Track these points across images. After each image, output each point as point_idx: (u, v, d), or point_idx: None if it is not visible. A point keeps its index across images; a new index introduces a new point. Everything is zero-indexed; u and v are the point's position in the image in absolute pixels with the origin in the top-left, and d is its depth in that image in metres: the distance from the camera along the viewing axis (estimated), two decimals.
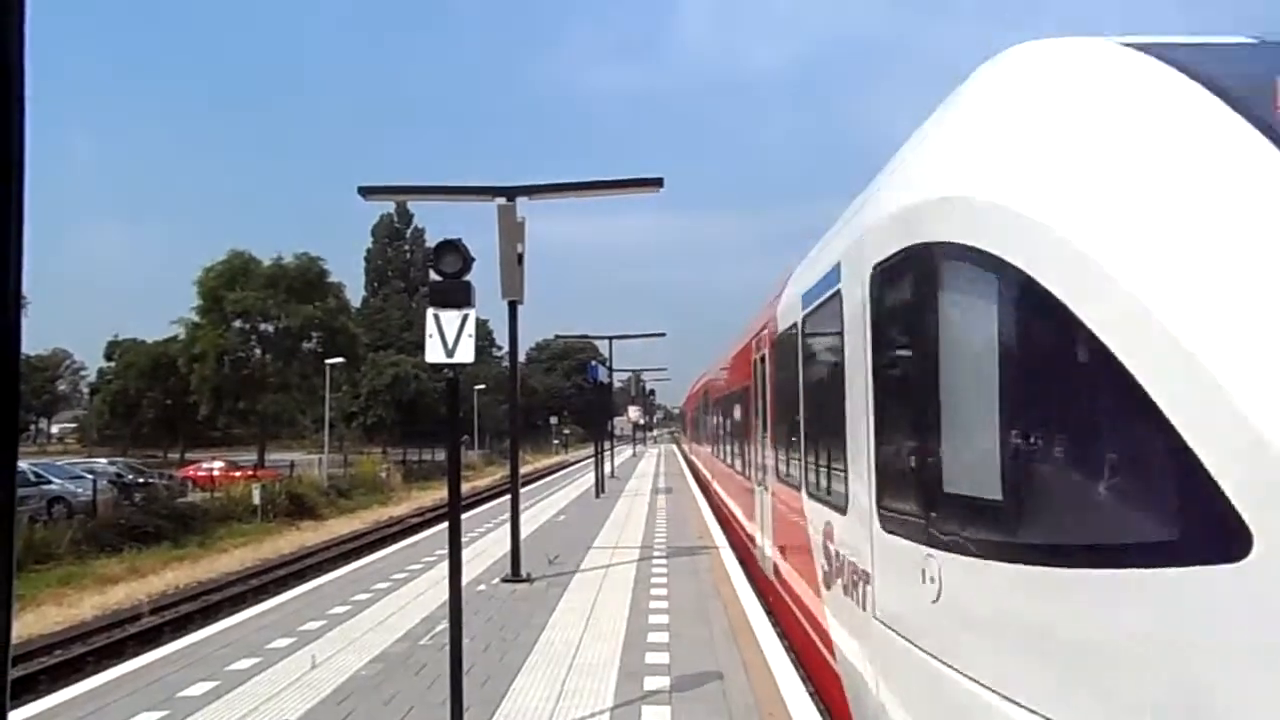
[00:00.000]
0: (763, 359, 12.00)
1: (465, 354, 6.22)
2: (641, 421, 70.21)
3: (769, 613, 10.58)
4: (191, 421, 65.49)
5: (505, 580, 12.89)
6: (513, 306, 13.33)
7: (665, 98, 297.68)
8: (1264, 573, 2.73)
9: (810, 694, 7.44)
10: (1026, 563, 3.63)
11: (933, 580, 4.22)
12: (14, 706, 7.73)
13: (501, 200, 12.89)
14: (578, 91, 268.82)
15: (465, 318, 6.22)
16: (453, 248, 6.23)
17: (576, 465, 53.33)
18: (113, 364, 75.60)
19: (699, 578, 13.00)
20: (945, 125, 4.75)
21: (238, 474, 44.89)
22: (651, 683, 7.71)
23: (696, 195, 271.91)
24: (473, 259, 6.27)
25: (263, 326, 58.31)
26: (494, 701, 7.32)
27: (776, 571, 10.78)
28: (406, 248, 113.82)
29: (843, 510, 6.30)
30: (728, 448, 19.61)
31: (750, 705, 7.07)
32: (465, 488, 31.98)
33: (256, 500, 33.21)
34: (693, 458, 44.72)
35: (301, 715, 7.01)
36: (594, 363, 34.88)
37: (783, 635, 9.50)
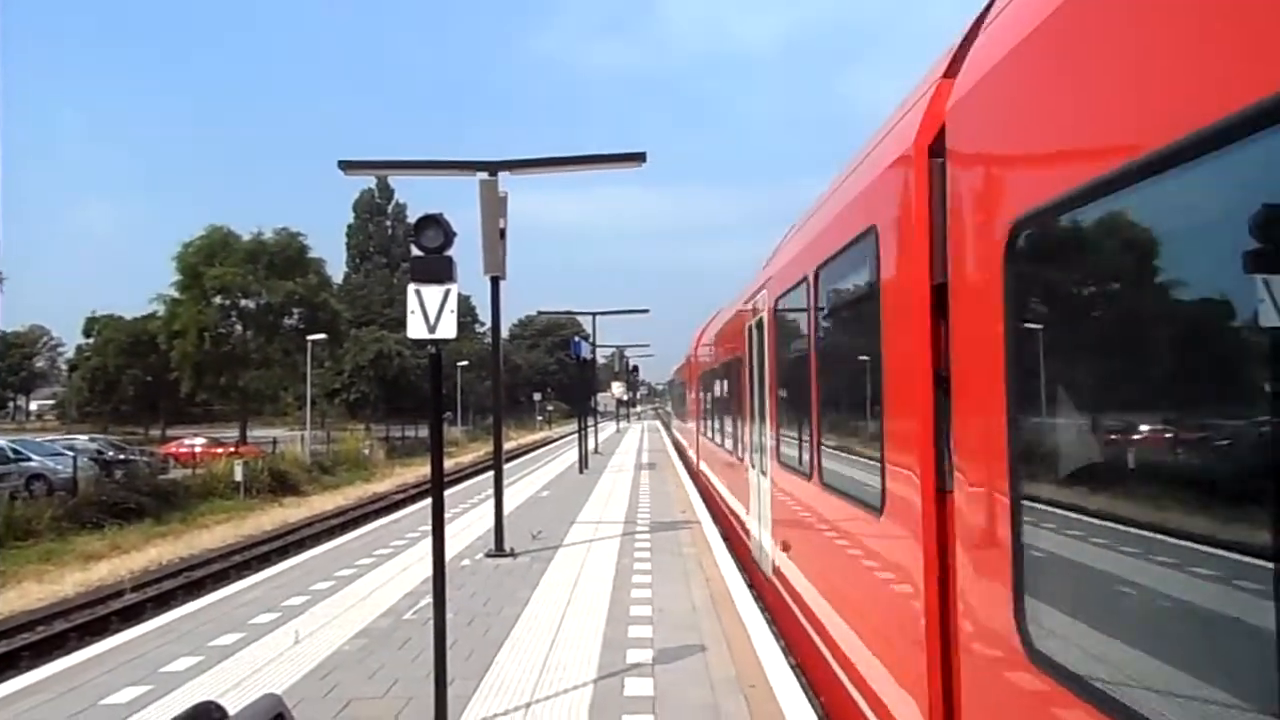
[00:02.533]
0: None
1: (447, 329, 6.21)
2: (625, 398, 70.35)
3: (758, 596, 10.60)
4: (172, 398, 65.11)
5: (489, 555, 12.94)
6: (495, 282, 13.30)
7: (653, 74, 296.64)
8: None
9: (791, 666, 7.53)
10: None
11: None
12: None
13: (483, 175, 12.84)
14: (568, 68, 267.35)
15: (447, 293, 6.20)
16: (434, 222, 6.19)
17: (560, 441, 53.40)
18: (91, 340, 74.97)
19: (682, 552, 13.08)
20: None
21: (220, 451, 44.66)
22: (634, 655, 7.78)
23: (682, 171, 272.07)
24: (454, 233, 6.23)
25: (243, 302, 57.86)
26: (478, 675, 7.37)
27: None
28: (388, 223, 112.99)
29: None
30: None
31: (731, 677, 7.15)
32: (448, 464, 31.99)
33: (239, 477, 33.10)
34: (702, 464, 23.38)
35: (286, 689, 7.01)
36: (577, 339, 34.87)
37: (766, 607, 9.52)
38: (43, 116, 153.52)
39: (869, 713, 5.31)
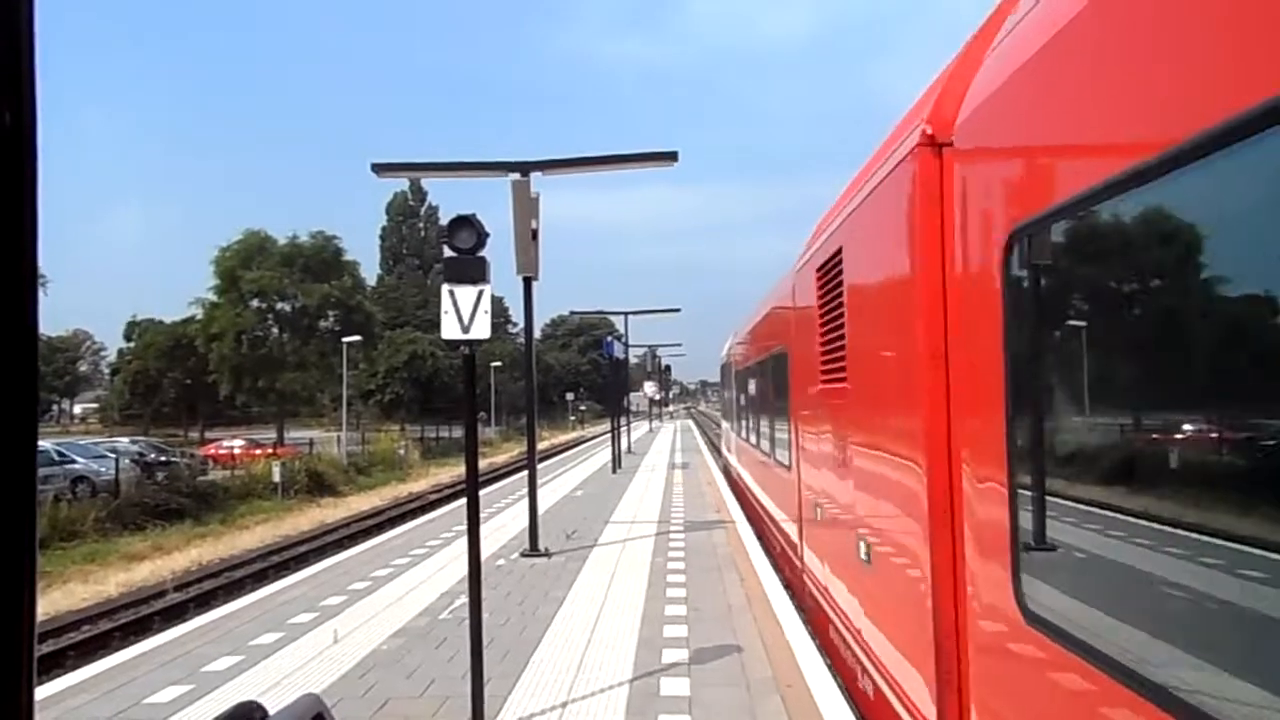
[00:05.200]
0: None
1: (481, 330, 6.21)
2: (658, 397, 70.26)
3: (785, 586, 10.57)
4: (211, 400, 66.12)
5: (524, 555, 12.97)
6: (528, 283, 13.31)
7: (678, 71, 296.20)
8: None
9: (828, 666, 7.46)
10: None
11: None
12: (43, 681, 7.89)
13: (515, 175, 12.85)
14: (593, 65, 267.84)
15: (481, 293, 6.20)
16: (467, 223, 6.20)
17: (593, 441, 53.48)
18: (132, 344, 76.35)
19: (716, 551, 13.03)
20: None
21: (258, 452, 45.22)
22: (670, 655, 7.75)
23: (711, 169, 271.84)
24: (487, 234, 6.23)
25: (280, 305, 58.53)
26: (514, 674, 7.39)
27: None
28: (421, 225, 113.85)
29: None
30: None
31: (768, 677, 7.10)
32: (483, 464, 32.08)
33: (277, 478, 33.49)
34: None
35: (325, 688, 7.07)
36: (610, 339, 34.89)
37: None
38: (77, 120, 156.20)
39: None
